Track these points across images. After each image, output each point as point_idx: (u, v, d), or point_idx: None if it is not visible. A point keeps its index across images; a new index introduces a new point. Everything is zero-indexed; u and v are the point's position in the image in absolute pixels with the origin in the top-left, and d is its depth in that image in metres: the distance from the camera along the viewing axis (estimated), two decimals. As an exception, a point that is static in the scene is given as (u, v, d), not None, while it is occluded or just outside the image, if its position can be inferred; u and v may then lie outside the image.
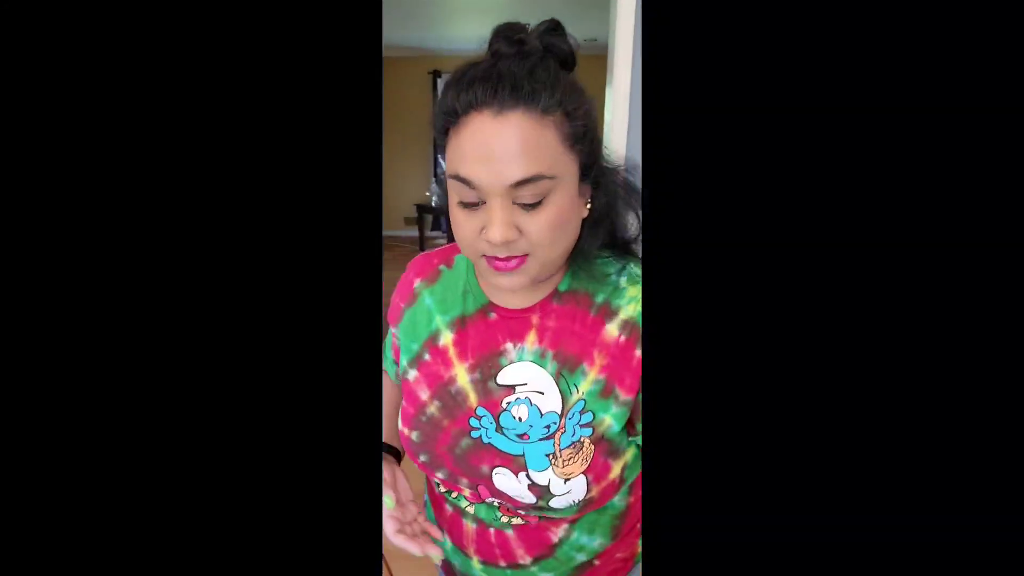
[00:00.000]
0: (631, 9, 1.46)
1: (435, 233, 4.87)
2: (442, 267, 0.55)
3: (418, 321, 0.54)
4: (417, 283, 0.55)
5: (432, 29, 4.00)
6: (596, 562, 0.56)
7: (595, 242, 0.47)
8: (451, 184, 0.43)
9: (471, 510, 0.54)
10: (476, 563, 0.56)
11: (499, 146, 0.39)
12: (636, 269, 0.50)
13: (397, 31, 4.02)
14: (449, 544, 0.59)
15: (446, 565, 0.62)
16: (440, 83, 5.09)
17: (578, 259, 0.48)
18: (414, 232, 5.07)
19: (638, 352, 0.47)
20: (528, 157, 0.40)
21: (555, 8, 3.46)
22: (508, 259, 0.42)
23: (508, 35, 0.42)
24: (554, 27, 0.45)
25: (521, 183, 0.40)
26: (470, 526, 0.55)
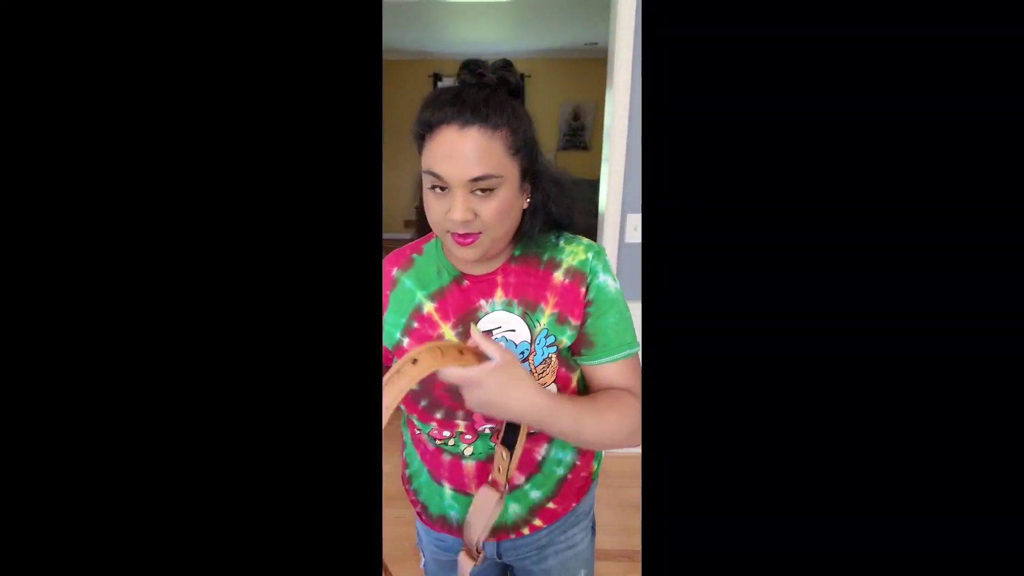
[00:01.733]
0: (631, 14, 1.47)
1: (435, 236, 4.86)
2: (415, 256, 0.68)
3: (401, 300, 0.66)
4: (395, 271, 0.68)
5: (432, 32, 4.00)
6: (569, 476, 0.71)
7: (534, 227, 0.62)
8: (425, 176, 0.56)
9: (469, 451, 0.66)
10: None
11: (461, 151, 0.54)
12: (569, 234, 0.66)
13: (397, 34, 4.02)
14: (448, 495, 0.69)
15: (442, 523, 0.71)
16: (440, 86, 5.07)
17: (523, 239, 0.63)
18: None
19: (582, 289, 0.63)
20: (481, 161, 0.54)
21: (555, 13, 3.48)
22: (466, 235, 0.56)
23: (472, 69, 0.57)
24: (505, 65, 0.59)
25: (476, 179, 0.54)
26: (470, 465, 0.66)
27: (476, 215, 0.55)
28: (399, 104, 5.25)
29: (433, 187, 0.56)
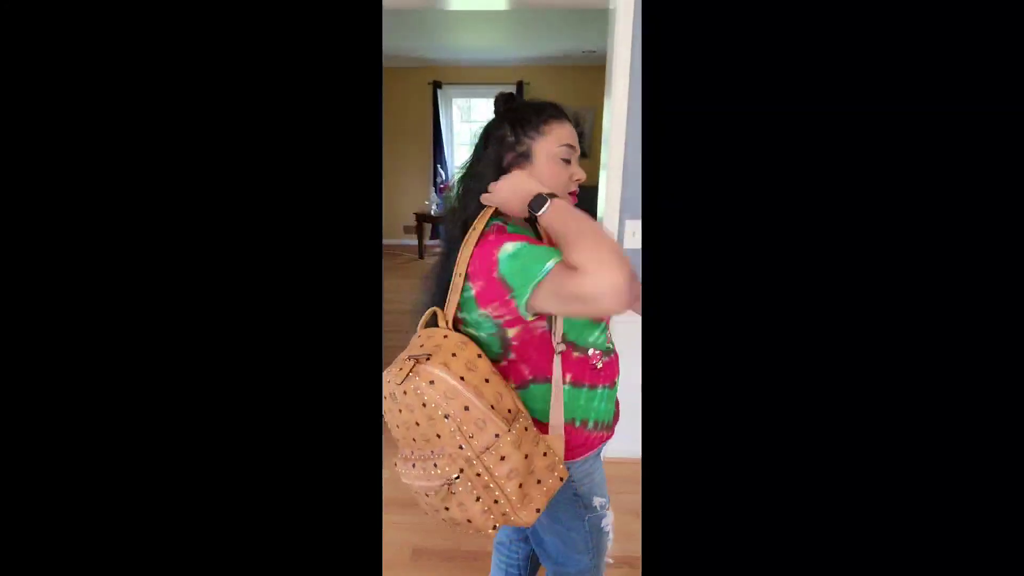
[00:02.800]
0: (628, 23, 1.49)
1: (434, 242, 4.85)
2: (516, 235, 0.89)
3: (544, 255, 0.82)
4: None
5: (432, 39, 4.02)
6: None
7: None
8: (560, 150, 0.80)
9: (611, 344, 0.86)
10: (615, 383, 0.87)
11: (572, 137, 0.82)
12: None
13: (397, 41, 4.04)
14: (616, 391, 0.85)
15: (606, 428, 0.85)
16: (440, 93, 5.11)
17: None
18: (413, 241, 5.07)
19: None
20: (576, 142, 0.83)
21: (554, 21, 3.49)
22: (575, 193, 0.83)
23: (507, 98, 0.85)
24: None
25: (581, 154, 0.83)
26: (613, 358, 0.85)
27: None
28: (399, 111, 5.26)
29: (563, 159, 0.80)
